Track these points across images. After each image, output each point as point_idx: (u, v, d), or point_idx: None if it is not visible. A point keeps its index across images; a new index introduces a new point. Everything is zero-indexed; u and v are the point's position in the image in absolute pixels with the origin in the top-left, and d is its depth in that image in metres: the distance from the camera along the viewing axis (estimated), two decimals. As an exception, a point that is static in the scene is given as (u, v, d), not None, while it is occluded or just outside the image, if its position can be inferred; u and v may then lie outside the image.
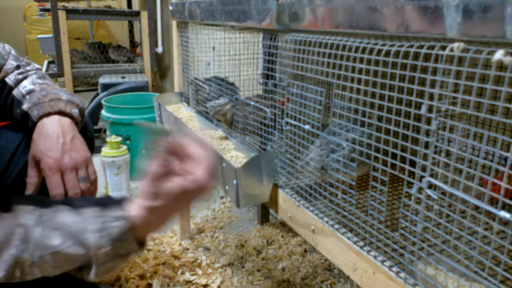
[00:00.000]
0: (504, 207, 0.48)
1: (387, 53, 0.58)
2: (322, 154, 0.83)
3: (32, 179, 0.85)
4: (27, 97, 0.92)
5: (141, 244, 0.67)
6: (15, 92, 0.95)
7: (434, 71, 0.52)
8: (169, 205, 0.63)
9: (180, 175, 0.61)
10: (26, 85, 0.95)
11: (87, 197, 0.82)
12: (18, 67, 1.00)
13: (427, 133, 0.56)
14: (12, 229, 0.60)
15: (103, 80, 2.88)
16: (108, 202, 0.67)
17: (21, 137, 0.96)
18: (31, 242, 0.61)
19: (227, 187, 0.96)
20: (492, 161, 0.47)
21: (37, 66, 1.05)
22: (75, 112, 0.91)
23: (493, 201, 0.50)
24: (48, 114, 0.87)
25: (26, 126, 0.90)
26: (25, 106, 0.89)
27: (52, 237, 0.61)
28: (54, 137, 0.85)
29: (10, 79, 0.97)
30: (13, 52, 1.03)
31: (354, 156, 0.75)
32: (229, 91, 1.24)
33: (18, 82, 0.97)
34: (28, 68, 1.01)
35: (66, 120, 0.88)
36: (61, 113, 0.88)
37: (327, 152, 0.81)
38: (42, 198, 0.70)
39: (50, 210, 0.64)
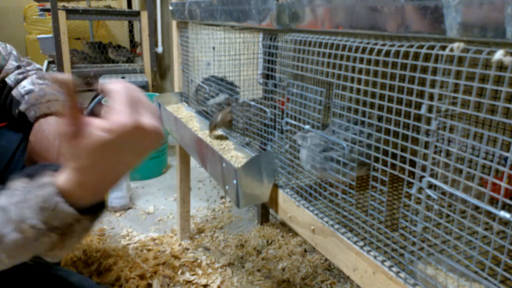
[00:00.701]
0: (504, 207, 0.48)
1: (387, 53, 0.58)
2: (312, 152, 0.83)
3: None
4: (26, 97, 0.92)
5: (87, 210, 0.55)
6: (14, 92, 0.95)
7: (434, 71, 0.52)
8: (99, 163, 0.53)
9: (96, 127, 0.51)
10: (25, 85, 0.95)
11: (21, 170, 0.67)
12: (18, 67, 1.00)
13: (427, 133, 0.56)
14: None
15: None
16: (38, 172, 0.58)
17: (21, 137, 0.96)
18: None
19: (227, 187, 0.96)
20: (492, 161, 0.47)
21: (38, 66, 1.05)
22: None
23: (493, 201, 0.50)
24: (45, 115, 0.87)
25: (24, 126, 0.90)
26: (22, 107, 0.89)
27: None
28: (50, 138, 0.84)
29: (10, 79, 0.97)
30: (14, 52, 1.03)
31: (354, 156, 0.75)
32: (229, 91, 1.24)
33: (18, 82, 0.97)
34: (28, 68, 1.02)
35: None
36: (58, 114, 0.88)
37: (318, 150, 0.81)
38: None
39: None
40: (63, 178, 0.55)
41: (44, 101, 0.88)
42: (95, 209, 0.57)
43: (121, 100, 0.52)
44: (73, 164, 0.54)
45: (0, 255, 0.54)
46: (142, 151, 0.56)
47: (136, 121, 0.51)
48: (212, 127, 1.20)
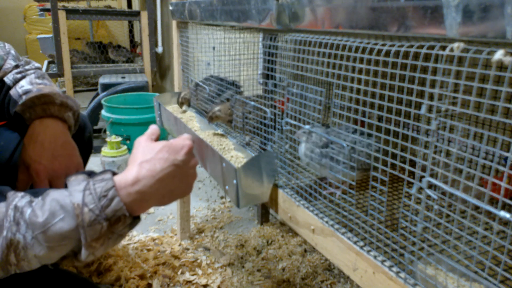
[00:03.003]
0: (504, 207, 0.48)
1: (387, 53, 0.58)
2: (309, 149, 0.83)
3: (21, 183, 0.84)
4: (23, 97, 0.91)
5: (134, 217, 0.65)
6: (12, 91, 0.94)
7: (434, 71, 0.52)
8: (170, 175, 0.65)
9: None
10: (23, 84, 0.95)
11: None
12: (17, 66, 1.00)
13: (427, 133, 0.56)
14: (4, 213, 0.59)
15: (103, 80, 2.88)
16: (93, 173, 0.66)
17: (20, 137, 0.96)
18: (22, 222, 0.59)
19: (227, 187, 0.96)
20: (492, 161, 0.47)
21: (36, 65, 1.04)
22: (68, 116, 0.89)
23: (493, 201, 0.50)
24: (40, 118, 0.86)
25: (21, 126, 0.89)
26: (18, 108, 0.88)
27: (40, 215, 0.59)
28: (44, 142, 0.83)
29: (8, 79, 0.97)
30: (12, 51, 1.03)
31: (354, 156, 0.75)
32: (230, 90, 1.24)
33: (16, 81, 0.97)
34: (27, 67, 1.01)
35: (58, 124, 0.87)
36: (53, 116, 0.87)
37: (315, 146, 0.81)
38: (34, 190, 0.69)
39: (41, 195, 0.63)
40: (119, 176, 0.63)
41: (40, 103, 0.87)
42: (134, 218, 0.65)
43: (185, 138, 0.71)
44: (146, 172, 0.64)
45: (42, 247, 0.59)
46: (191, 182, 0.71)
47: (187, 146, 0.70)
48: (210, 116, 1.18)
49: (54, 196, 0.61)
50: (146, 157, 0.66)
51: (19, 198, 0.61)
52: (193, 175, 0.71)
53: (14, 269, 0.61)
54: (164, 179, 0.65)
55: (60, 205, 0.59)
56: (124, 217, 0.62)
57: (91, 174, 0.65)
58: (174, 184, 0.67)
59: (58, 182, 0.83)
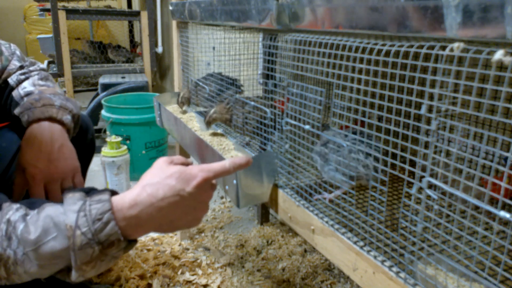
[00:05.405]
0: (504, 207, 0.48)
1: (387, 53, 0.58)
2: (321, 151, 0.83)
3: (17, 187, 0.83)
4: (25, 99, 0.91)
5: (129, 241, 0.61)
6: (14, 93, 0.94)
7: (434, 71, 0.52)
8: (160, 202, 0.60)
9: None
10: (26, 86, 0.94)
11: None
12: (21, 67, 1.00)
13: (427, 133, 0.56)
14: None
15: (103, 80, 2.88)
16: (92, 190, 0.64)
17: (20, 139, 0.95)
18: (14, 238, 0.57)
19: (227, 187, 0.96)
20: (492, 161, 0.47)
21: (42, 66, 1.03)
22: (67, 119, 0.88)
23: (493, 201, 0.50)
24: (38, 120, 0.85)
25: (23, 128, 0.88)
26: (16, 110, 0.87)
27: (32, 231, 0.56)
28: (41, 146, 0.82)
29: (12, 80, 0.97)
30: (17, 52, 1.02)
31: (353, 156, 0.75)
32: (231, 90, 1.24)
33: (19, 82, 0.96)
34: (31, 68, 1.01)
35: (56, 127, 0.86)
36: (51, 119, 0.86)
37: (327, 150, 0.81)
38: (31, 200, 0.68)
39: (37, 208, 0.61)
40: (118, 198, 0.60)
41: (39, 106, 0.85)
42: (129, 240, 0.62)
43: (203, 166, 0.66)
44: (149, 198, 0.60)
45: (32, 264, 0.57)
46: (200, 215, 0.65)
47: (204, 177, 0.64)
48: (207, 120, 1.18)
49: (49, 212, 0.58)
50: (153, 180, 0.61)
51: (13, 211, 0.59)
52: (202, 209, 0.65)
53: (4, 282, 0.60)
54: (164, 208, 0.60)
55: (54, 223, 0.57)
56: (118, 241, 0.58)
57: (90, 191, 0.63)
58: (175, 215, 0.62)
59: (54, 186, 0.83)
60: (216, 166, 0.65)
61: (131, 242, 0.62)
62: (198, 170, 0.63)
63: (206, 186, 0.64)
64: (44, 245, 0.56)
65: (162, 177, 0.61)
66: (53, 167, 0.82)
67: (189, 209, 0.62)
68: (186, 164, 0.66)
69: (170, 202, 0.60)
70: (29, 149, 0.82)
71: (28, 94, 0.92)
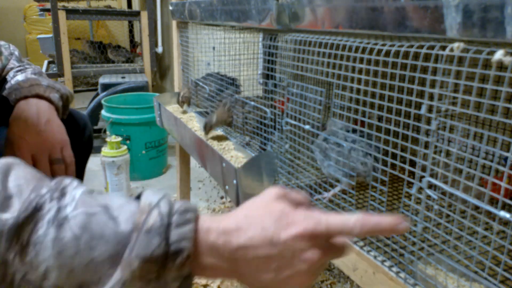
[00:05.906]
0: (504, 207, 0.48)
1: (387, 53, 0.58)
2: (322, 146, 0.83)
3: None
4: (13, 82, 0.92)
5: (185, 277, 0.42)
6: (7, 85, 0.95)
7: (434, 71, 0.52)
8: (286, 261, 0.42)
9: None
10: (19, 78, 0.96)
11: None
12: (19, 67, 1.02)
13: (427, 133, 0.56)
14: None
15: (103, 80, 2.88)
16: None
17: None
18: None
19: (227, 187, 0.96)
20: (492, 161, 0.47)
21: (37, 67, 1.06)
22: (54, 96, 0.89)
23: (493, 201, 0.50)
24: (25, 98, 0.86)
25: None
26: (5, 92, 0.88)
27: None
28: (28, 119, 0.83)
29: (9, 76, 0.99)
30: (16, 53, 1.05)
31: (353, 156, 0.75)
32: (230, 90, 1.24)
33: (14, 77, 0.99)
34: (27, 66, 1.04)
35: (43, 103, 0.87)
36: (39, 96, 0.87)
37: (327, 146, 0.81)
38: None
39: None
40: (206, 219, 0.44)
41: (26, 86, 0.88)
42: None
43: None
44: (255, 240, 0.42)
45: (51, 269, 0.39)
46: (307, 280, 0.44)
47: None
48: (208, 129, 1.17)
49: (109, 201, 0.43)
50: (249, 213, 0.45)
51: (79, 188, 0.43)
52: (301, 274, 0.43)
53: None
54: (247, 255, 0.42)
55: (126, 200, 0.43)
56: (185, 255, 0.40)
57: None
58: (261, 265, 0.43)
59: (42, 157, 0.82)
60: (334, 219, 0.43)
61: (188, 278, 0.43)
62: (304, 217, 0.44)
63: (311, 243, 0.43)
64: (97, 215, 0.40)
65: (260, 211, 0.45)
66: (40, 139, 0.82)
67: (285, 267, 0.43)
68: (301, 204, 0.47)
69: (258, 251, 0.43)
70: (17, 123, 0.83)
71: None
